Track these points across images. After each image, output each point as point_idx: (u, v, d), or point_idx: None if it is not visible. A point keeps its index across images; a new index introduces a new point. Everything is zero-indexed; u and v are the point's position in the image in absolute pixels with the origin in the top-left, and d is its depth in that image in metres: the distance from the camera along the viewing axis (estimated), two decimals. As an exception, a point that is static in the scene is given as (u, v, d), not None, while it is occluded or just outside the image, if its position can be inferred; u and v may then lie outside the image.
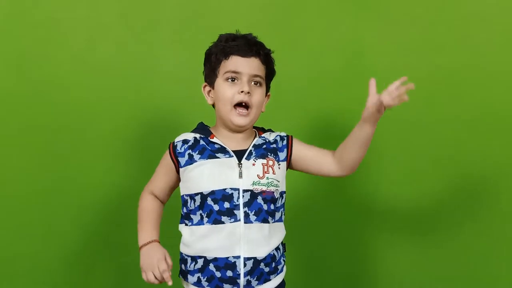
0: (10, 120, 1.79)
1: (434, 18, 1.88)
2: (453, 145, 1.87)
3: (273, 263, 1.25)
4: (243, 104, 1.26)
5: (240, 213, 1.22)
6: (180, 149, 1.28)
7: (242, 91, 1.24)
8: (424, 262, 1.88)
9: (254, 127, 1.36)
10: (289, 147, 1.31)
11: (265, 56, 1.29)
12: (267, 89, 1.33)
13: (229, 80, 1.26)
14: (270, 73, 1.33)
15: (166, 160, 1.31)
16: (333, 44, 1.88)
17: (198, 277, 1.23)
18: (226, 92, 1.26)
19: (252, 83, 1.27)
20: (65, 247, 1.81)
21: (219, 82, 1.28)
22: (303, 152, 1.32)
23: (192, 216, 1.25)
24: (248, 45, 1.26)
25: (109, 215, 1.82)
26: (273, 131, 1.37)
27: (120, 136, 1.83)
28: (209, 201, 1.22)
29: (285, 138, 1.33)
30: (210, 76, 1.31)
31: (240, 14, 1.86)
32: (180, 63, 1.84)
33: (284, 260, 1.30)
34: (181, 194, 1.29)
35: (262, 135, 1.33)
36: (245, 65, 1.25)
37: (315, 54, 1.87)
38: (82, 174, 1.81)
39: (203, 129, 1.32)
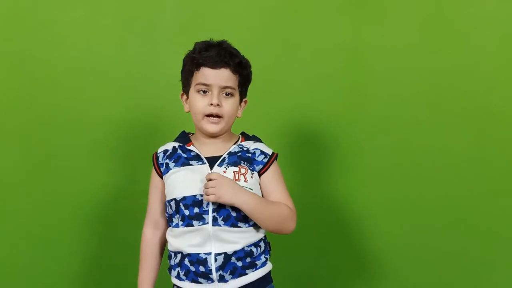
0: (8, 121, 1.79)
1: (433, 20, 1.88)
2: (451, 147, 1.86)
3: (249, 258, 1.26)
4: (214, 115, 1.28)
5: (209, 217, 1.24)
6: (162, 160, 1.33)
7: (211, 104, 1.26)
8: (421, 266, 1.87)
9: (242, 133, 1.37)
10: (266, 165, 1.31)
11: (236, 66, 1.28)
12: (243, 95, 1.34)
13: (201, 92, 1.28)
14: (244, 81, 1.32)
15: (152, 173, 1.35)
16: (331, 46, 1.87)
17: (178, 271, 1.27)
18: (197, 103, 1.28)
19: (224, 94, 1.28)
20: (63, 247, 1.80)
21: (192, 92, 1.30)
22: (267, 185, 1.31)
23: (173, 218, 1.29)
24: (218, 56, 1.26)
25: (106, 215, 1.82)
26: (260, 141, 1.37)
27: (118, 138, 1.82)
28: (181, 206, 1.25)
29: (268, 156, 1.32)
30: (185, 85, 1.34)
31: (239, 16, 1.86)
32: (179, 65, 1.84)
33: (266, 258, 1.31)
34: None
35: (242, 143, 1.34)
36: (215, 77, 1.26)
37: (313, 56, 1.87)
38: (79, 174, 1.81)
39: (183, 137, 1.35)
